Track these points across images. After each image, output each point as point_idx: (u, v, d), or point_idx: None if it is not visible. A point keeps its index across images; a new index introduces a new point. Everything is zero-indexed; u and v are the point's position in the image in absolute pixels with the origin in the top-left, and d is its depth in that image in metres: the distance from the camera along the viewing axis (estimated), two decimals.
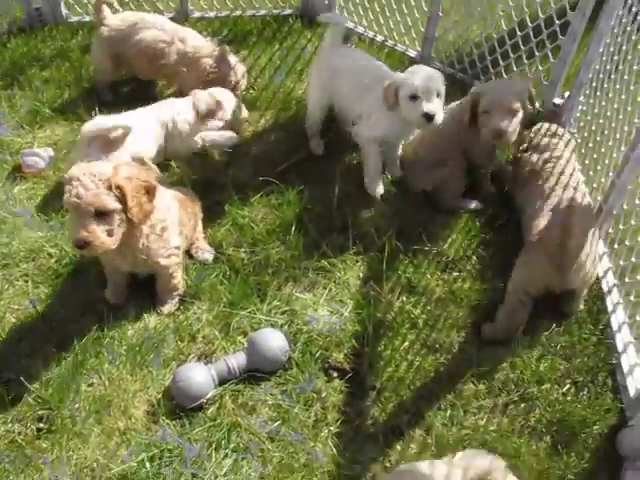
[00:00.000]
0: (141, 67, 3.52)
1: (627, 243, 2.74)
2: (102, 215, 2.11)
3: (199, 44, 3.48)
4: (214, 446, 2.16)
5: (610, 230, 2.91)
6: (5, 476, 2.07)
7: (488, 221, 3.03)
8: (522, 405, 2.38)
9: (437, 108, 2.75)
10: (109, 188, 2.09)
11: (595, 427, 2.31)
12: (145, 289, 2.64)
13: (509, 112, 2.84)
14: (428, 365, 2.45)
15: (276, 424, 2.22)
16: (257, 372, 2.34)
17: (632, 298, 2.60)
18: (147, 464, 2.10)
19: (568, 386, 2.44)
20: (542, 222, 2.61)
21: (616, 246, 2.84)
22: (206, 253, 2.77)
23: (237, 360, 2.32)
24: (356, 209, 3.03)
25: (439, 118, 2.75)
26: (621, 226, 2.84)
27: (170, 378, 2.31)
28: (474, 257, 2.87)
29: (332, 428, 2.25)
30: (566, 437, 2.29)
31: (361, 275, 2.75)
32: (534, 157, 2.98)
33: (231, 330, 2.50)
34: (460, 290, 2.72)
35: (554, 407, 2.36)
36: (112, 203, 2.11)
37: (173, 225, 2.42)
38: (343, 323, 2.52)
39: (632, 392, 2.39)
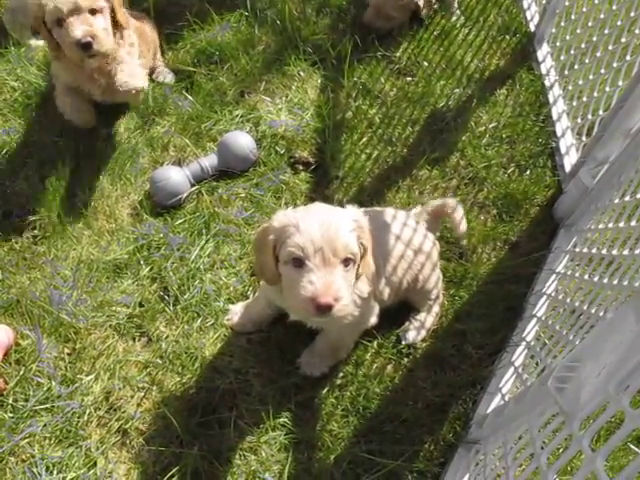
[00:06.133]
0: None
1: (567, 38, 2.90)
2: (95, 12, 2.18)
3: None
4: (196, 233, 2.37)
5: None
6: (13, 274, 2.26)
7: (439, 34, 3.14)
8: (472, 185, 2.63)
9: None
10: None
11: (535, 200, 2.59)
12: (112, 115, 2.74)
13: None
14: (386, 156, 2.65)
15: (250, 212, 2.43)
16: (229, 171, 2.51)
17: (570, 87, 2.83)
18: (137, 253, 2.32)
19: (513, 168, 2.69)
20: None
21: (558, 44, 3.01)
22: (167, 75, 2.84)
23: (209, 160, 2.47)
24: (310, 25, 3.08)
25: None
26: (562, 23, 3.00)
27: (149, 181, 2.47)
28: (425, 63, 3.00)
29: None
30: (510, 208, 2.55)
31: (319, 83, 2.86)
32: None
33: (200, 137, 2.63)
34: (413, 92, 2.87)
35: (500, 186, 2.62)
36: (102, 1, 2.18)
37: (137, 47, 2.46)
38: (305, 124, 2.66)
39: (568, 168, 2.67)
